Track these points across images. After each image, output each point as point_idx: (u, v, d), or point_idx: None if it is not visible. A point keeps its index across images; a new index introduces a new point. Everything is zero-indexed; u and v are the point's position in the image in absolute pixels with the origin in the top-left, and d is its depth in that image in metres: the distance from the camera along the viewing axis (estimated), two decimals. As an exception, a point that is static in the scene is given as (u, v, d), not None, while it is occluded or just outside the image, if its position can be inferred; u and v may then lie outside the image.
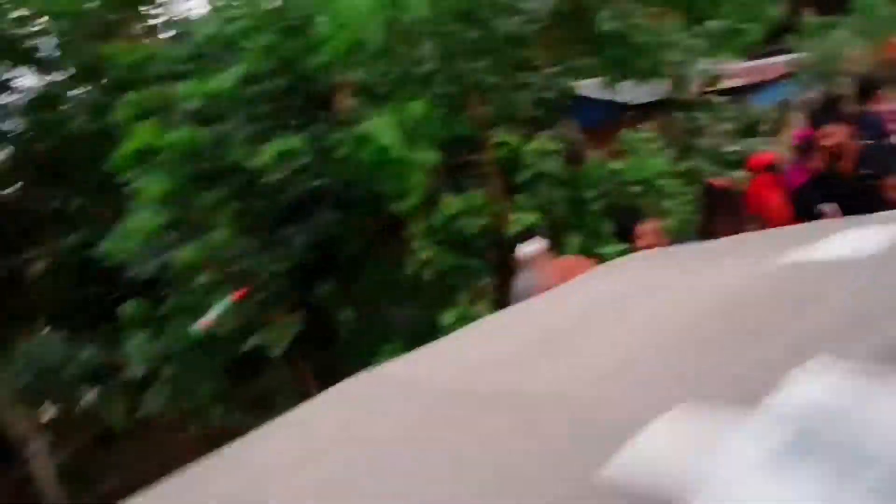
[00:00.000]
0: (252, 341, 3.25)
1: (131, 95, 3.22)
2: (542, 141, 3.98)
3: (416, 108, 3.56)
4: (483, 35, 3.68)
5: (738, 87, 9.15)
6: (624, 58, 3.84)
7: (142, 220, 3.16)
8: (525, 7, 3.52)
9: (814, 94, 8.37)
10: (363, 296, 4.21)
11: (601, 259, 3.48)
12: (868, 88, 4.07)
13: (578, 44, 4.04)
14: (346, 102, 3.73)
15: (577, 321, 1.09)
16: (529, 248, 2.88)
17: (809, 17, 9.68)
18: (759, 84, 10.10)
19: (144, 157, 3.12)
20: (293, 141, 3.22)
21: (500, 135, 4.12)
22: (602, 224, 4.15)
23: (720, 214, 3.64)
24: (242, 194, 3.20)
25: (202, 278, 3.13)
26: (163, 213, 3.10)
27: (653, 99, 6.89)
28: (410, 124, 3.58)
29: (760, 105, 8.85)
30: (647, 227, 3.36)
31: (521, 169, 3.95)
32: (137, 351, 3.74)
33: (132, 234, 3.14)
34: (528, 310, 1.37)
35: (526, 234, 3.53)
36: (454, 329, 3.79)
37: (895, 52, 8.41)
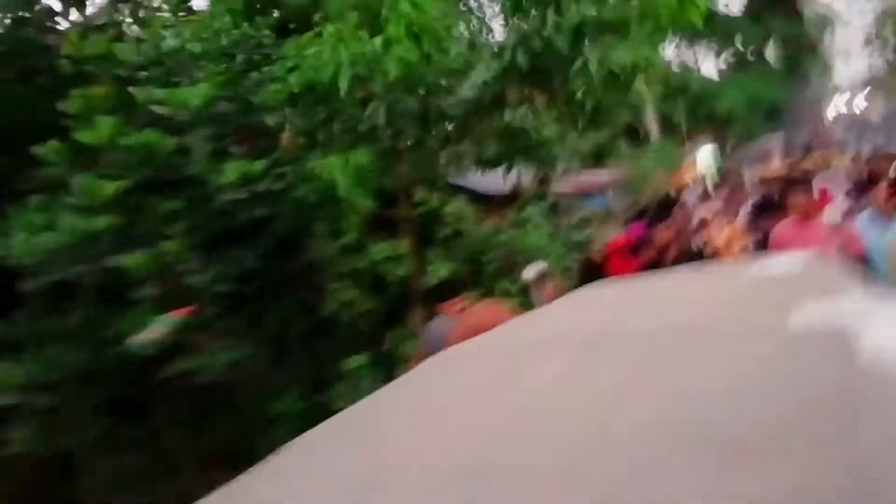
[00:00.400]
0: (183, 365, 3.08)
1: (91, 89, 3.03)
2: (459, 204, 4.64)
3: (361, 157, 3.97)
4: (422, 107, 4.32)
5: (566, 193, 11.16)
6: (526, 148, 4.79)
7: (79, 220, 2.89)
8: (462, 93, 4.26)
9: (628, 203, 10.67)
10: (273, 332, 4.25)
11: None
12: (666, 203, 5.59)
13: (490, 131, 4.90)
14: (292, 140, 3.97)
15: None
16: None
17: (624, 145, 12.53)
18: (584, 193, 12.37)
19: (92, 154, 2.92)
20: (256, 165, 3.35)
21: (420, 194, 4.70)
22: (496, 282, 4.87)
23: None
24: (196, 209, 3.16)
25: (146, 290, 2.94)
26: (108, 216, 2.90)
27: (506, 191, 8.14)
28: (353, 170, 3.96)
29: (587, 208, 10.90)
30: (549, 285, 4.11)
31: (439, 226, 4.53)
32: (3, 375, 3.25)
33: (61, 235, 2.84)
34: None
35: (441, 286, 4.06)
36: (360, 374, 3.99)
37: (682, 179, 11.34)
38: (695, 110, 12.28)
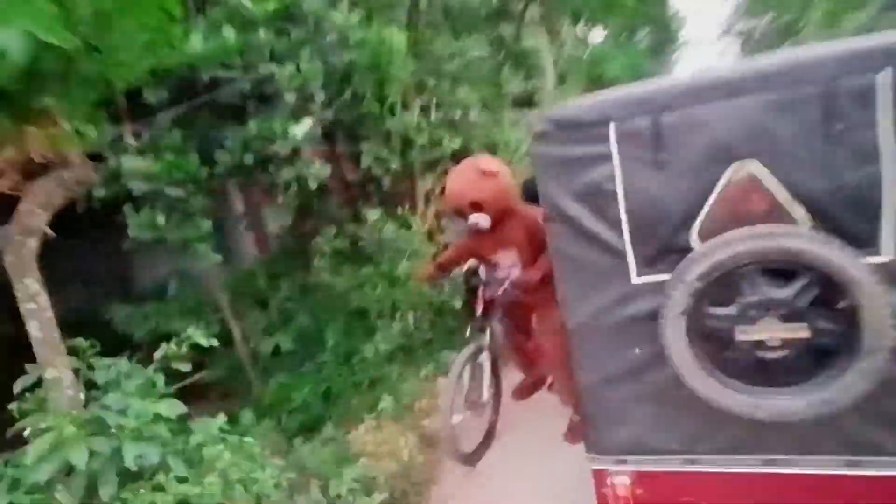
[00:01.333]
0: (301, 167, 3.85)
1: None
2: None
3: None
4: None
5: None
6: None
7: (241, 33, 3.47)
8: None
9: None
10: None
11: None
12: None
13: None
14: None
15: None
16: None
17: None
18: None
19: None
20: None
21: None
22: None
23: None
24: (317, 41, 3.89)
25: (289, 99, 3.62)
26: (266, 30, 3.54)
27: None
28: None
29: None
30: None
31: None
32: None
33: (228, 42, 3.41)
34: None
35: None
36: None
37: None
38: (589, 74, 14.41)
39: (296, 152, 3.89)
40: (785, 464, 1.77)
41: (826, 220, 1.56)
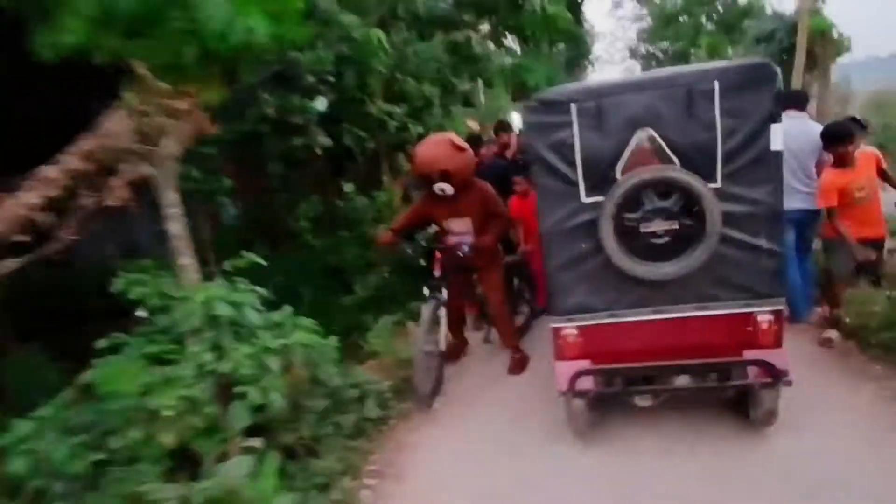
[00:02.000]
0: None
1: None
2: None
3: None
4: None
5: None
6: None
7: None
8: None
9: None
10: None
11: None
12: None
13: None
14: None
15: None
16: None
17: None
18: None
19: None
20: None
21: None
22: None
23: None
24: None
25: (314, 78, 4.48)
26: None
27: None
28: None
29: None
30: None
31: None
32: None
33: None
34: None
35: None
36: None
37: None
38: (513, 81, 15.91)
39: (306, 124, 4.74)
40: (664, 311, 2.98)
41: (688, 163, 2.79)
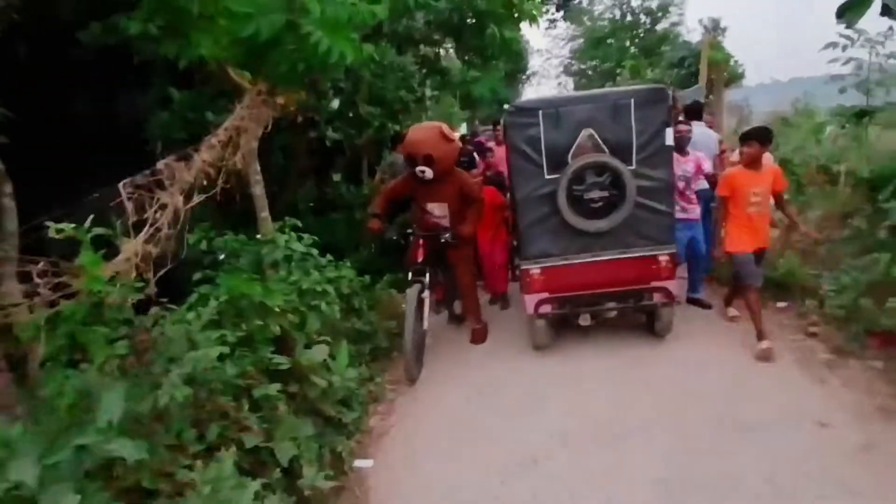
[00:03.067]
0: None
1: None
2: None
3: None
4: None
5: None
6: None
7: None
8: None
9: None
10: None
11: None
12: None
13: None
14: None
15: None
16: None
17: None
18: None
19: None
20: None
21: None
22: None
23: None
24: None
25: None
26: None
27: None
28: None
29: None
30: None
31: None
32: None
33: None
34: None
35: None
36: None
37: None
38: (461, 91, 17.37)
39: (319, 121, 5.80)
40: (600, 255, 4.34)
41: (614, 152, 4.18)
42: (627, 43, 19.68)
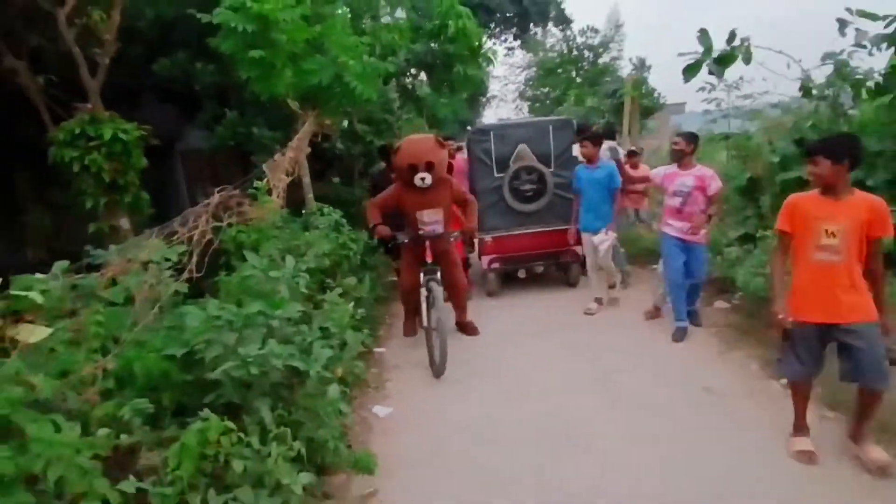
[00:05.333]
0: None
1: None
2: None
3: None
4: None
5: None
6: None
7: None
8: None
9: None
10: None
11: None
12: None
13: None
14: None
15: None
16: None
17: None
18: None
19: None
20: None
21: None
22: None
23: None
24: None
25: None
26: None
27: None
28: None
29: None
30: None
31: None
32: None
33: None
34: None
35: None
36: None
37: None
38: (427, 113, 19.51)
39: (332, 134, 7.81)
40: (530, 228, 6.52)
41: (540, 160, 6.39)
42: (574, 73, 22.46)
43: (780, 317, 2.87)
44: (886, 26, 4.58)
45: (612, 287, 5.94)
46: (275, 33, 5.06)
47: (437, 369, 4.36)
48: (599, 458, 3.22)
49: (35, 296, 1.88)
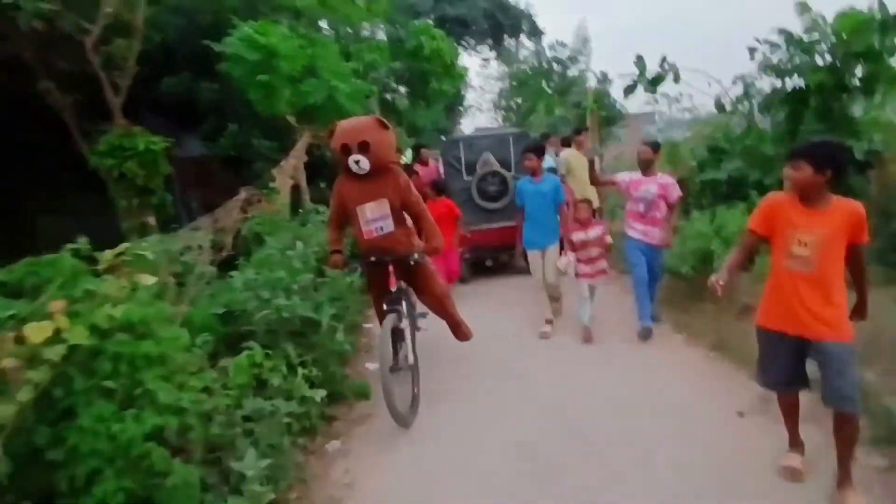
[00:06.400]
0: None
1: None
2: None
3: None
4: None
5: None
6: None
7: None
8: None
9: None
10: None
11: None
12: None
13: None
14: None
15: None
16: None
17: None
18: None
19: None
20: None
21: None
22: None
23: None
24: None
25: None
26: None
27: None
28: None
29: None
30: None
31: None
32: None
33: None
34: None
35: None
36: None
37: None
38: (408, 122, 20.65)
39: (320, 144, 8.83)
40: (495, 224, 7.61)
41: (502, 165, 7.52)
42: (544, 85, 23.77)
43: (713, 279, 2.69)
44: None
45: (555, 300, 5.63)
46: (277, 61, 6.08)
47: (404, 419, 3.64)
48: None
49: (148, 254, 2.85)
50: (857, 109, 6.02)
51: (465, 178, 7.52)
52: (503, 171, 7.45)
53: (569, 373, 4.45)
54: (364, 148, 3.60)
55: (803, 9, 5.51)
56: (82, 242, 2.75)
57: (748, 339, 3.16)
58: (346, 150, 3.64)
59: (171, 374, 2.53)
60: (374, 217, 3.79)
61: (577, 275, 5.17)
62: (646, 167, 4.88)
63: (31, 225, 8.16)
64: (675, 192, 4.86)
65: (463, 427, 3.73)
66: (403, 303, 3.96)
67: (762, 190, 5.97)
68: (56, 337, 2.19)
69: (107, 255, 2.64)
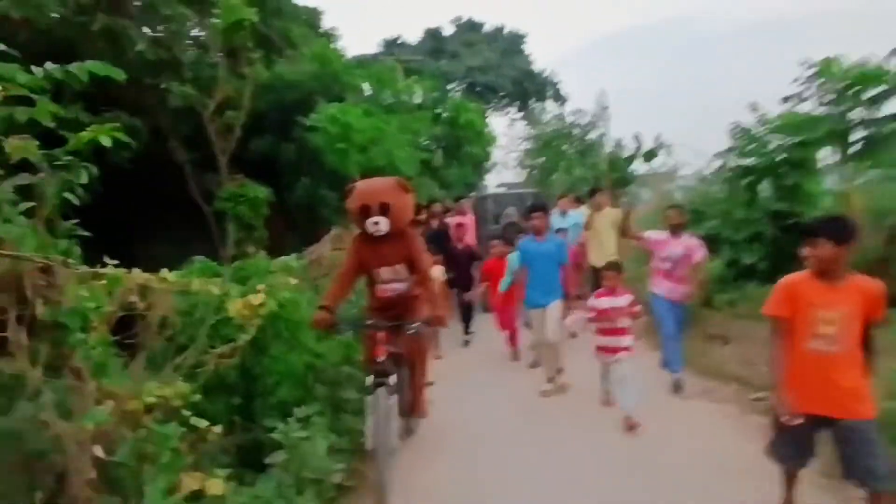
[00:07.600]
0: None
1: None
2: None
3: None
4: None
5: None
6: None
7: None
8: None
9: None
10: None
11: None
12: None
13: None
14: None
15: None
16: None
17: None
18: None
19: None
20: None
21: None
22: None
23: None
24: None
25: None
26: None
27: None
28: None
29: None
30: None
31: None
32: None
33: None
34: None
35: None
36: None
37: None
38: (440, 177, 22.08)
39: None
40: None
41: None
42: (565, 147, 25.88)
43: (784, 415, 2.57)
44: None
45: (560, 371, 5.29)
46: (352, 133, 8.06)
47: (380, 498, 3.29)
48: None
49: (293, 264, 4.59)
50: (809, 183, 7.60)
51: (493, 225, 9.29)
52: (520, 223, 9.20)
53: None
54: (384, 210, 3.62)
55: (753, 108, 7.28)
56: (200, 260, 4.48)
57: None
58: (366, 212, 3.64)
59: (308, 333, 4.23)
60: (388, 279, 3.87)
61: (596, 348, 4.70)
62: (674, 231, 4.99)
63: (143, 249, 10.15)
64: (700, 254, 4.94)
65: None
66: (392, 378, 3.55)
67: (733, 245, 7.54)
68: (261, 305, 3.89)
69: (276, 263, 4.39)
